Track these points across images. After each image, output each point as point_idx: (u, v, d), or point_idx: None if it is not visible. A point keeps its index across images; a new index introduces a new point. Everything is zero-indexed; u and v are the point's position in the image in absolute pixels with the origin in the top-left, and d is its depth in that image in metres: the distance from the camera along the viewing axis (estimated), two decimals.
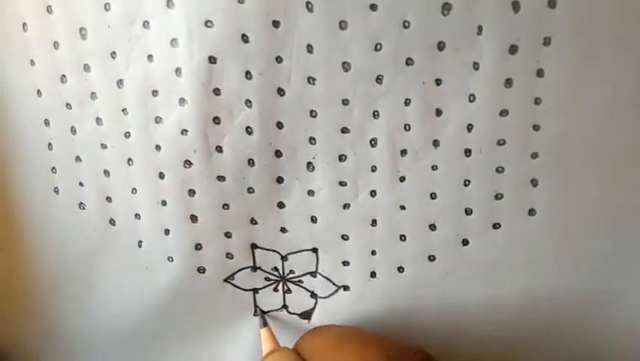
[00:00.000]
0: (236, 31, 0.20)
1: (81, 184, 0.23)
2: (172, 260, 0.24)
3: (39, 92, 0.22)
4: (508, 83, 0.20)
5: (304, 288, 0.24)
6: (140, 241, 0.24)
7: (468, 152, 0.21)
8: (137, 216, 0.23)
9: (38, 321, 0.26)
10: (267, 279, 0.24)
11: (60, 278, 0.25)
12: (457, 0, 0.19)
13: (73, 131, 0.22)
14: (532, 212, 0.21)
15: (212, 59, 0.20)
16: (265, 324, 0.24)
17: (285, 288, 0.24)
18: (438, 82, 0.20)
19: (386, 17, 0.19)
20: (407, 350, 0.19)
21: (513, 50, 0.19)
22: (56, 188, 0.23)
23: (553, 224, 0.22)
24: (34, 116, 0.22)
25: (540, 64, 0.19)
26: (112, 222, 0.24)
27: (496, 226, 0.22)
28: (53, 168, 0.23)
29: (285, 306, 0.25)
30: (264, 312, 0.25)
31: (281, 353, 0.22)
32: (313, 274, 0.24)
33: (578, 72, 0.19)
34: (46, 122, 0.22)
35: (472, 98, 0.20)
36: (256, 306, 0.24)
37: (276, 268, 0.24)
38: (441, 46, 0.19)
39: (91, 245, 0.24)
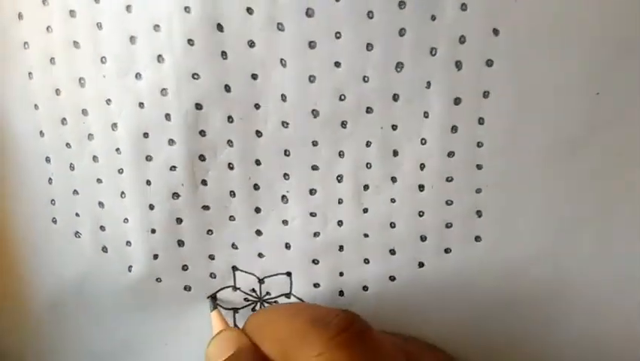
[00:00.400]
0: (219, 82, 0.22)
1: (77, 215, 0.26)
2: (160, 281, 0.26)
3: (41, 133, 0.24)
4: (454, 129, 0.23)
5: None
6: (131, 266, 0.26)
7: (421, 187, 0.24)
8: (128, 243, 0.26)
9: (36, 342, 0.28)
10: (246, 300, 0.26)
11: (57, 301, 0.27)
12: (409, 59, 0.22)
13: (72, 167, 0.25)
14: (478, 239, 0.24)
15: (198, 106, 0.23)
16: (215, 307, 0.25)
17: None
18: (394, 127, 0.23)
19: (348, 73, 0.22)
20: (330, 312, 0.20)
21: (457, 101, 0.22)
22: (54, 218, 0.26)
23: (496, 250, 0.24)
24: (37, 153, 0.25)
25: (480, 113, 0.22)
26: (104, 249, 0.26)
27: (447, 250, 0.25)
28: (52, 200, 0.26)
29: None
30: (215, 297, 0.26)
31: (227, 333, 0.23)
32: (287, 295, 0.26)
33: (515, 120, 0.22)
34: (47, 160, 0.25)
35: (423, 141, 0.23)
36: (213, 296, 0.26)
37: (254, 290, 0.26)
38: (396, 97, 0.22)
39: (85, 270, 0.26)
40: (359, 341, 0.19)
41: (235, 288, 0.26)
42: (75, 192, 0.25)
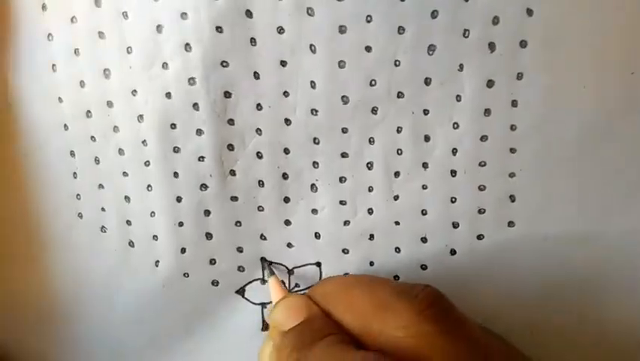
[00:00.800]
0: (248, 69, 0.22)
1: (103, 209, 0.25)
2: (187, 276, 0.26)
3: (66, 126, 0.24)
4: (487, 112, 0.22)
5: None
6: (157, 261, 0.26)
7: (454, 173, 0.23)
8: (155, 237, 0.25)
9: (61, 338, 0.27)
10: None
11: (82, 296, 0.26)
12: (441, 42, 0.21)
13: (97, 161, 0.24)
14: (511, 224, 0.24)
15: (227, 94, 0.23)
16: (272, 273, 0.25)
17: None
18: (425, 112, 0.23)
19: (379, 57, 0.22)
20: (415, 286, 0.20)
21: (490, 84, 0.22)
22: (80, 213, 0.25)
23: (530, 235, 0.24)
24: (61, 147, 0.24)
25: (514, 95, 0.22)
26: (131, 243, 0.26)
27: (480, 237, 0.24)
28: (78, 194, 0.25)
29: None
30: (270, 263, 0.25)
31: (294, 299, 0.22)
32: None
33: (550, 102, 0.22)
34: (72, 153, 0.25)
35: (455, 125, 0.23)
36: (269, 262, 0.25)
37: (282, 282, 0.26)
38: (427, 81, 0.22)
39: (111, 265, 0.26)
40: (446, 317, 0.19)
41: (264, 281, 0.26)
42: (100, 186, 0.25)
